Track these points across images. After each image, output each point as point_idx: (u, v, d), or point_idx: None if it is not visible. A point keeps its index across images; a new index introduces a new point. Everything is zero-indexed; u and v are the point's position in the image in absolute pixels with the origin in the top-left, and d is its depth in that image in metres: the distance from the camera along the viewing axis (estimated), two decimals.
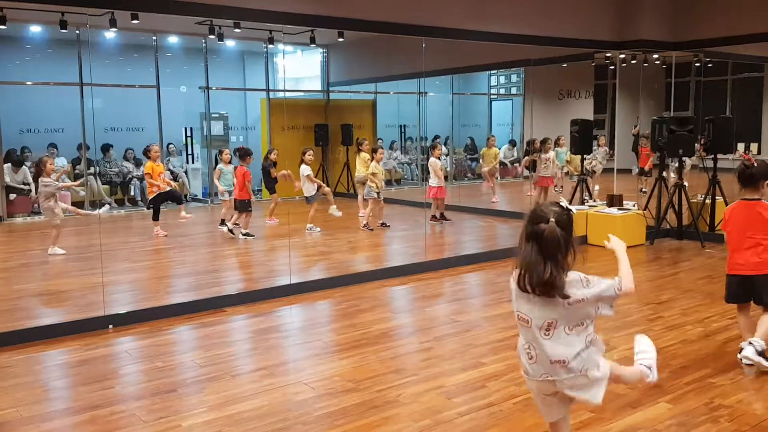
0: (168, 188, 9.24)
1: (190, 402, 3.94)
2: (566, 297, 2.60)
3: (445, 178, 15.64)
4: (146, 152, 9.32)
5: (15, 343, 4.95)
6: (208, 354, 4.76)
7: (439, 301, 6.43)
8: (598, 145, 11.26)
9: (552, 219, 2.60)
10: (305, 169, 9.43)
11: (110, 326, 5.35)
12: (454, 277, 7.16)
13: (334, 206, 9.71)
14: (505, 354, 4.63)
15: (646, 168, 10.89)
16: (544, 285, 2.59)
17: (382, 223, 9.82)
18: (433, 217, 10.20)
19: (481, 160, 12.52)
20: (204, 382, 4.22)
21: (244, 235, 8.95)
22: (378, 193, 9.76)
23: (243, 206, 8.97)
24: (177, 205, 9.59)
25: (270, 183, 10.20)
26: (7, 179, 10.99)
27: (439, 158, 10.13)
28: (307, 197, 9.43)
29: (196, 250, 8.49)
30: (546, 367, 2.68)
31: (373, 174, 9.72)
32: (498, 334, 5.11)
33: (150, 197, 9.23)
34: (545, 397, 2.79)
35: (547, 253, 2.59)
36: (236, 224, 9.06)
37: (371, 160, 9.92)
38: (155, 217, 9.21)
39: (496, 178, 12.58)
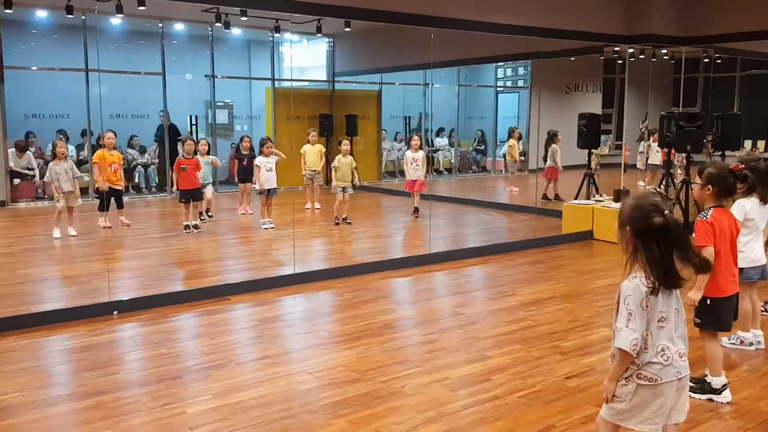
0: (114, 185, 8.72)
1: (194, 389, 3.94)
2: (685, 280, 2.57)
3: (449, 171, 15.72)
4: (98, 140, 8.88)
5: (19, 327, 4.95)
6: (213, 342, 4.76)
7: (443, 293, 6.42)
8: None
9: (666, 209, 2.47)
10: (264, 161, 8.98)
11: (115, 312, 5.35)
12: (458, 269, 7.15)
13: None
14: (510, 347, 4.61)
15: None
16: (679, 279, 2.51)
17: (344, 218, 9.36)
18: (416, 211, 9.95)
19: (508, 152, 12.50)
20: (208, 370, 4.22)
21: (194, 227, 8.73)
22: (343, 189, 9.25)
23: (199, 195, 8.83)
24: (118, 207, 8.86)
25: (243, 173, 9.94)
26: (12, 164, 10.98)
27: (417, 151, 9.82)
28: (269, 189, 8.95)
29: (201, 237, 8.47)
30: (677, 365, 2.56)
31: (335, 168, 9.33)
32: (502, 327, 5.09)
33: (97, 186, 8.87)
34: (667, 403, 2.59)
35: (683, 244, 2.49)
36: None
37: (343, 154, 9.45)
38: (100, 207, 8.66)
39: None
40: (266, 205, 9.04)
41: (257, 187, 9.07)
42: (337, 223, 9.29)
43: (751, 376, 4.19)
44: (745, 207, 4.38)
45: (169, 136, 12.31)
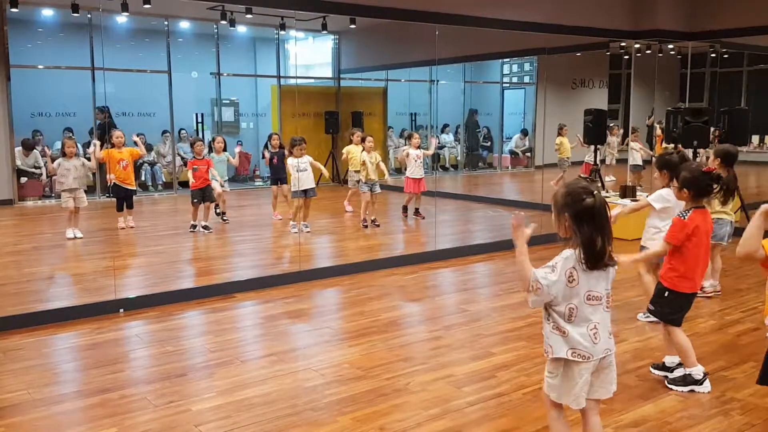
0: (124, 184, 8.55)
1: (199, 386, 3.95)
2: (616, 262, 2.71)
3: (455, 167, 15.69)
4: (109, 138, 8.63)
5: (26, 326, 4.97)
6: (218, 339, 4.77)
7: (448, 290, 6.41)
8: (611, 134, 11.17)
9: (595, 191, 2.62)
10: (295, 162, 8.34)
11: (121, 310, 5.37)
12: (463, 266, 7.14)
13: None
14: (515, 344, 4.60)
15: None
16: (606, 257, 2.64)
17: (372, 220, 9.05)
18: (406, 210, 9.59)
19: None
20: (214, 367, 4.23)
21: (204, 227, 8.61)
22: (371, 188, 8.97)
23: (210, 195, 8.66)
24: (127, 207, 8.71)
25: (275, 173, 9.41)
26: (18, 163, 11.02)
27: (418, 148, 9.42)
28: (305, 190, 8.38)
29: (207, 236, 8.49)
30: (606, 343, 2.71)
31: (363, 164, 9.02)
32: (507, 324, 5.08)
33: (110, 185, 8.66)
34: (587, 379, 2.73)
35: (603, 225, 2.61)
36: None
37: (363, 151, 9.16)
38: (118, 208, 8.61)
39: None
40: (302, 207, 8.48)
41: (293, 188, 8.45)
42: (365, 226, 8.91)
43: (757, 373, 4.14)
44: (663, 196, 4.77)
45: (107, 135, 11.98)
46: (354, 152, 9.68)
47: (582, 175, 9.68)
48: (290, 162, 8.43)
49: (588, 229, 2.59)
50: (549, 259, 2.68)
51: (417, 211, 9.61)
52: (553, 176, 12.04)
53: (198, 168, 8.58)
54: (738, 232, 6.70)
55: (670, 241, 3.79)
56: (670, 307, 3.88)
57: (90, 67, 11.00)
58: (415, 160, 9.33)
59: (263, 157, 9.66)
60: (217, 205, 9.27)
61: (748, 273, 6.54)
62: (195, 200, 8.57)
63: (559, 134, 11.78)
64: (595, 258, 2.62)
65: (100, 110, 12.07)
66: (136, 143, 8.87)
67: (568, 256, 2.64)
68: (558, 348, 2.69)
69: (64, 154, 8.20)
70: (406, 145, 15.10)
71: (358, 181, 9.47)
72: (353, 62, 14.17)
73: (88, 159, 8.46)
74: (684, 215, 3.79)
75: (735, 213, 8.69)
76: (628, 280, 6.41)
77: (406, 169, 9.44)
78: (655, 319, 5.05)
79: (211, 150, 9.47)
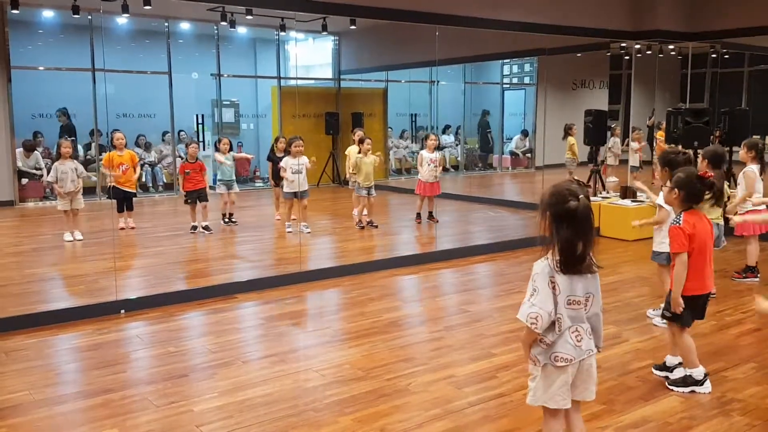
0: (124, 186, 8.61)
1: (201, 387, 3.96)
2: (600, 268, 2.71)
3: (455, 168, 15.70)
4: (111, 140, 8.63)
5: (27, 326, 4.98)
6: (219, 340, 4.78)
7: (449, 291, 6.42)
8: (612, 135, 11.15)
9: (582, 195, 2.59)
10: (291, 162, 8.30)
11: (122, 311, 5.38)
12: (464, 267, 7.15)
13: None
14: (516, 345, 4.60)
15: None
16: (585, 264, 2.64)
17: (369, 222, 9.00)
18: (419, 216, 9.40)
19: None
20: (215, 368, 4.24)
21: (205, 228, 8.61)
22: (367, 190, 8.90)
23: (205, 196, 8.65)
24: (127, 209, 8.76)
25: (279, 176, 9.01)
26: (19, 164, 11.03)
27: (433, 151, 9.17)
28: (295, 192, 8.35)
29: (208, 236, 8.49)
30: (587, 344, 2.73)
31: (357, 167, 8.90)
32: (508, 325, 5.08)
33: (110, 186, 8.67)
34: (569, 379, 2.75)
35: (585, 230, 2.60)
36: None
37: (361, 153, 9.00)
38: (118, 209, 8.63)
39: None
40: (294, 208, 8.46)
41: (286, 189, 8.46)
42: (362, 227, 8.88)
43: (757, 374, 4.17)
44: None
45: (66, 136, 11.52)
46: (354, 153, 9.47)
47: (575, 178, 9.62)
48: (285, 162, 8.38)
49: (567, 232, 2.57)
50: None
51: (430, 215, 9.38)
52: (553, 177, 12.06)
53: (189, 172, 8.58)
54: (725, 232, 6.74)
55: (678, 251, 3.72)
56: (685, 310, 3.80)
57: (90, 69, 11.01)
58: (429, 164, 9.09)
59: (268, 159, 9.55)
60: (231, 214, 9.22)
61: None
62: (188, 201, 8.60)
63: (569, 134, 11.75)
64: (573, 262, 2.62)
65: (62, 113, 12.01)
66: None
67: (540, 270, 2.66)
68: (542, 358, 2.74)
69: (59, 155, 8.19)
70: (405, 144, 15.17)
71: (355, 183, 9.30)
72: (353, 63, 14.18)
73: (84, 162, 8.45)
74: (678, 221, 3.74)
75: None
76: (629, 281, 6.43)
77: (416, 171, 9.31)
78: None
79: (217, 150, 9.39)
